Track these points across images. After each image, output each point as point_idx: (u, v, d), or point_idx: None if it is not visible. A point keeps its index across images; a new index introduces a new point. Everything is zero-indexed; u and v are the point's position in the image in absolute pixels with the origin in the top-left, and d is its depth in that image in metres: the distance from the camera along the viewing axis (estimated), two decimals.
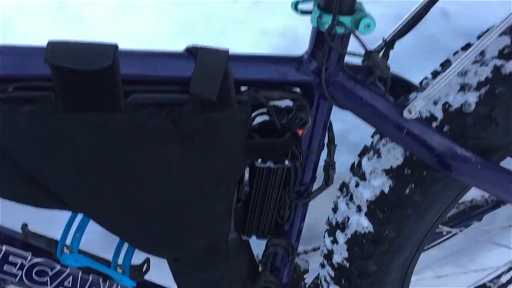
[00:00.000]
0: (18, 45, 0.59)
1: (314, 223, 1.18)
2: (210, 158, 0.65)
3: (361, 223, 0.80)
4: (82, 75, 0.55)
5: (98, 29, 1.17)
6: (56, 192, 0.63)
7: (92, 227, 0.78)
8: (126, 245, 0.82)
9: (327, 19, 0.61)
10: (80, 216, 0.78)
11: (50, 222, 0.99)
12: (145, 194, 0.65)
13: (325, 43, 0.62)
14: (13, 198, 0.64)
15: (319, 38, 0.63)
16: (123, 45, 0.58)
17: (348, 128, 1.12)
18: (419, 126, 0.66)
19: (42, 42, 0.57)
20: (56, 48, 0.55)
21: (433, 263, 1.51)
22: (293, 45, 1.14)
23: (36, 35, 0.58)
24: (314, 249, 1.11)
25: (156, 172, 0.64)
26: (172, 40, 0.92)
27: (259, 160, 0.70)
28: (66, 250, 0.75)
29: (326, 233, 0.90)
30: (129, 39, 0.57)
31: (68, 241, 0.76)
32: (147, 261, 0.83)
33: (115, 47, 0.57)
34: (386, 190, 0.75)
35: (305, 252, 1.10)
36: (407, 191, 0.73)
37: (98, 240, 1.05)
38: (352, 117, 0.85)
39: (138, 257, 0.84)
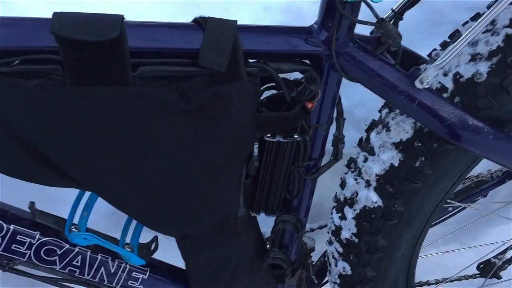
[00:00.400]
0: (22, 17, 0.57)
1: (320, 201, 1.18)
2: (219, 132, 0.64)
3: (370, 197, 0.79)
4: (89, 46, 0.54)
5: (95, 9, 1.15)
6: (64, 168, 0.62)
7: (98, 206, 0.78)
8: (133, 224, 0.82)
9: None
10: (87, 194, 0.77)
11: (55, 201, 0.98)
12: (154, 169, 0.64)
13: (336, 12, 0.61)
14: (20, 176, 0.63)
15: (329, 7, 0.62)
16: None
17: (354, 104, 1.11)
18: (431, 97, 0.65)
19: None
20: (62, 19, 0.54)
21: (437, 240, 1.52)
22: (297, 21, 1.12)
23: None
24: (321, 227, 1.10)
25: (165, 147, 0.63)
26: (173, 18, 0.90)
27: (269, 134, 0.69)
28: (74, 229, 0.74)
29: (334, 209, 0.89)
30: (129, 18, 0.56)
31: (76, 219, 0.76)
32: (155, 239, 0.83)
33: (121, 17, 0.55)
34: (396, 163, 0.75)
35: (311, 230, 1.10)
36: (417, 164, 0.73)
37: (103, 219, 1.05)
38: (357, 93, 0.84)
39: (145, 237, 0.84)
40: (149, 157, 0.63)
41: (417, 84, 0.64)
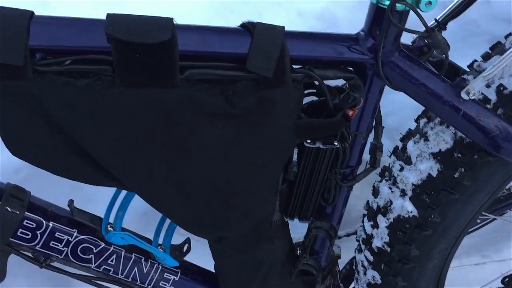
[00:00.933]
0: (74, 17, 0.58)
1: (347, 208, 1.17)
2: (261, 136, 0.64)
3: (405, 207, 0.79)
4: (141, 48, 0.55)
5: (134, 9, 1.16)
6: (107, 167, 0.63)
7: (129, 206, 0.78)
8: (166, 225, 0.82)
9: None
10: (122, 194, 0.78)
11: (88, 200, 0.99)
12: (195, 171, 0.65)
13: (384, 20, 0.61)
14: (65, 174, 0.64)
15: (377, 15, 0.62)
16: None
17: (385, 112, 1.10)
18: (476, 108, 0.64)
19: None
20: (115, 21, 0.55)
21: (459, 252, 1.50)
22: (330, 28, 1.12)
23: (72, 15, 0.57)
24: (348, 235, 1.10)
25: (207, 149, 0.63)
26: (208, 22, 0.90)
27: (308, 140, 0.69)
28: (110, 228, 0.75)
29: (365, 217, 0.89)
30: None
31: (111, 219, 0.76)
32: (187, 241, 0.83)
33: (172, 20, 0.56)
34: (434, 174, 0.74)
35: (339, 237, 1.10)
36: (457, 175, 0.72)
37: (134, 219, 1.05)
38: (389, 102, 0.84)
39: (176, 239, 0.84)
40: (191, 159, 0.64)
41: (463, 95, 0.63)
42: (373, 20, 0.63)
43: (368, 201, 0.89)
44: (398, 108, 1.09)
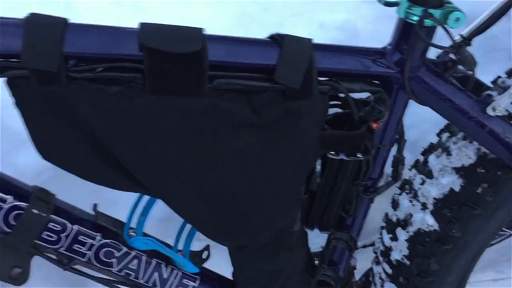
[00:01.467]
0: (106, 25, 0.59)
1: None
2: (286, 146, 0.65)
3: (426, 221, 0.79)
4: (173, 57, 0.56)
5: (156, 18, 1.18)
6: (134, 173, 0.64)
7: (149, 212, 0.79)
8: (186, 231, 0.83)
9: (416, 11, 0.60)
10: (144, 200, 0.79)
11: (108, 203, 1.00)
12: (219, 179, 0.66)
13: (411, 35, 0.62)
14: (92, 179, 0.65)
15: (405, 29, 0.63)
16: None
17: (406, 125, 1.11)
18: (502, 124, 0.64)
19: None
20: (148, 30, 0.56)
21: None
22: (351, 39, 1.13)
23: (95, 20, 0.58)
24: (364, 246, 1.10)
25: (232, 158, 0.64)
26: (229, 30, 0.92)
27: (332, 152, 0.70)
28: (132, 233, 0.76)
29: (384, 229, 0.89)
30: None
31: (132, 224, 0.77)
32: (207, 248, 0.83)
33: (202, 31, 0.57)
34: (457, 188, 0.74)
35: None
36: (479, 190, 0.72)
37: (153, 225, 1.06)
38: (409, 115, 0.84)
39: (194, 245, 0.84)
40: (215, 167, 0.64)
41: (489, 111, 0.63)
42: (401, 35, 0.63)
43: (387, 214, 0.89)
44: (418, 121, 1.09)
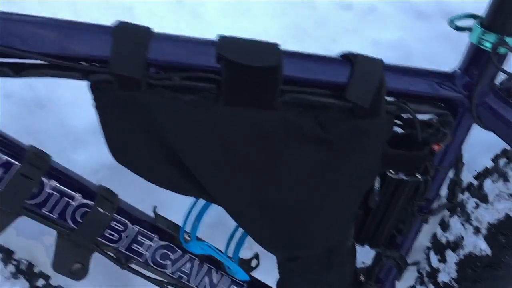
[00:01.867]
0: (187, 36, 0.61)
1: None
2: (349, 163, 0.66)
3: (479, 245, 0.79)
4: (251, 70, 0.57)
5: (212, 25, 1.20)
6: (201, 180, 0.65)
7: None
8: (236, 238, 0.84)
9: (490, 37, 0.61)
10: (199, 204, 0.80)
11: (160, 205, 1.02)
12: (281, 192, 0.67)
13: (482, 60, 0.62)
14: (161, 183, 0.67)
15: (476, 55, 0.63)
16: None
17: None
18: None
19: None
20: (227, 42, 0.58)
21: None
22: (404, 59, 1.13)
23: (154, 27, 0.60)
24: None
25: (295, 171, 0.65)
26: (283, 43, 0.92)
27: (392, 171, 0.71)
28: (187, 237, 0.78)
29: (431, 250, 0.89)
30: None
31: (187, 227, 0.79)
32: (256, 256, 0.85)
33: (278, 46, 0.59)
34: None
35: None
36: None
37: (200, 230, 1.08)
38: None
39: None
40: (278, 179, 0.66)
41: None
42: (471, 60, 0.64)
43: (435, 234, 0.89)
44: (469, 144, 1.09)
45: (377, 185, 0.72)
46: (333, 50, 0.72)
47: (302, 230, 0.71)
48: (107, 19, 0.60)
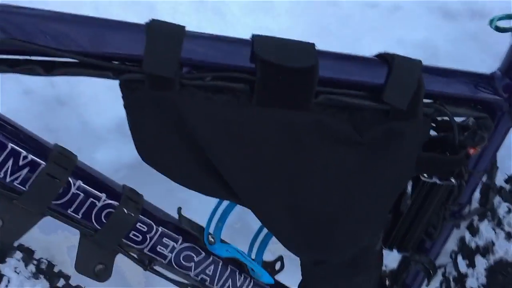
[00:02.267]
0: (220, 35, 0.60)
1: None
2: (383, 166, 0.64)
3: (510, 251, 0.77)
4: (287, 71, 0.56)
5: (235, 24, 1.18)
6: (230, 181, 0.64)
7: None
8: (259, 241, 0.83)
9: None
10: (222, 206, 0.79)
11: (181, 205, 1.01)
12: (312, 194, 0.65)
13: None
14: (188, 184, 0.65)
15: None
16: None
17: None
18: None
19: None
20: (262, 42, 0.56)
21: None
22: (430, 59, 1.10)
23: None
24: None
25: (328, 174, 0.64)
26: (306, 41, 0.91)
27: (425, 175, 0.69)
28: (211, 239, 0.76)
29: (459, 254, 0.87)
30: None
31: (210, 229, 0.77)
32: (280, 258, 0.83)
33: (314, 46, 0.57)
34: None
35: None
36: None
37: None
38: None
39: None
40: (310, 181, 0.64)
41: None
42: None
43: (463, 238, 0.87)
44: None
45: (409, 188, 0.70)
46: (357, 49, 0.70)
47: (332, 234, 0.69)
48: (129, 18, 0.58)
